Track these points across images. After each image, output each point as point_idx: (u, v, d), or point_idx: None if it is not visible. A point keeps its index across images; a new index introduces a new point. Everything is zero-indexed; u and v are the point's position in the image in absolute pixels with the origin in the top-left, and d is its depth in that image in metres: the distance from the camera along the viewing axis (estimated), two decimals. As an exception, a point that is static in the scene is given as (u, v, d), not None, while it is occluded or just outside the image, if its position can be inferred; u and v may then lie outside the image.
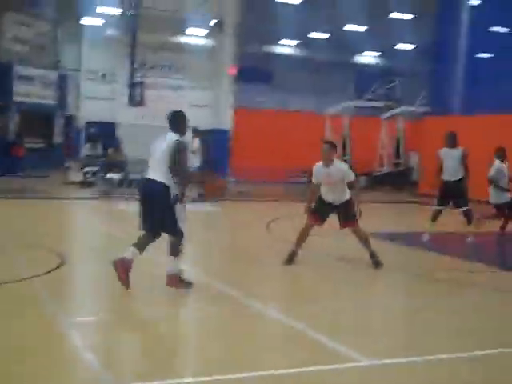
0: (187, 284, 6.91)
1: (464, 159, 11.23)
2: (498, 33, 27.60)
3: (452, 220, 11.73)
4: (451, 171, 11.26)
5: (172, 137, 6.77)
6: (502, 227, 12.06)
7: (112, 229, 11.80)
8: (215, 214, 15.60)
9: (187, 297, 7.03)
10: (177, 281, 6.83)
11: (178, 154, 6.63)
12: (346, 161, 23.95)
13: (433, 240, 11.37)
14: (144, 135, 21.94)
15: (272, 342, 5.53)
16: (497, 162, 11.83)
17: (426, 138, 22.34)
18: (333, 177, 8.40)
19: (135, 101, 22.21)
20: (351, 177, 8.46)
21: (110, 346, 5.22)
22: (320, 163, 8.53)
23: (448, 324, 6.24)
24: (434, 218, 11.52)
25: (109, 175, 18.12)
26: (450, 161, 11.28)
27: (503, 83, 25.30)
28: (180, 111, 7.21)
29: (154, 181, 6.66)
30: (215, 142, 21.25)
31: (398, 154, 24.50)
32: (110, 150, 19.40)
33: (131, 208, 15.00)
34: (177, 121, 6.98)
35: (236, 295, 6.84)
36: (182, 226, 6.83)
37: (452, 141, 11.40)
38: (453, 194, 11.31)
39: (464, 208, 11.37)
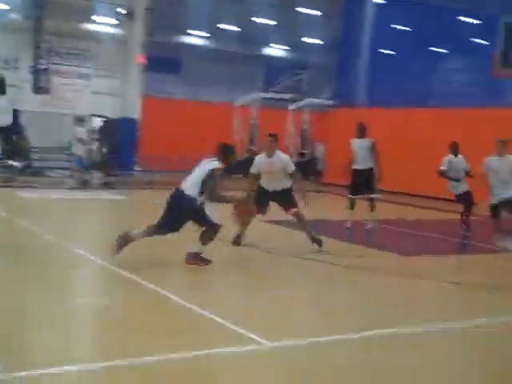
0: (207, 261, 7.80)
1: (373, 149, 11.87)
2: (400, 30, 28.80)
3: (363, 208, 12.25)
4: (361, 160, 11.88)
5: (211, 164, 7.78)
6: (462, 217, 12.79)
7: (11, 216, 11.59)
8: (121, 202, 15.53)
9: (89, 283, 7.12)
10: (198, 258, 7.78)
11: (208, 180, 7.66)
12: (252, 150, 24.40)
13: (342, 228, 11.89)
14: (49, 123, 21.58)
15: (177, 327, 5.57)
16: (449, 156, 12.58)
17: (331, 130, 23.08)
18: (274, 166, 9.13)
19: (39, 88, 21.66)
20: (292, 167, 9.19)
21: (5, 334, 5.10)
22: (263, 154, 9.36)
23: (349, 307, 6.65)
24: (351, 206, 12.10)
25: (11, 162, 17.66)
26: (360, 151, 11.89)
27: (404, 78, 26.47)
28: (228, 145, 8.31)
29: (184, 195, 7.69)
30: (123, 130, 21.09)
31: (304, 145, 25.10)
32: (13, 137, 18.89)
33: (33, 196, 14.76)
34: (222, 153, 8.01)
35: (139, 281, 6.90)
36: (215, 221, 7.74)
37: (361, 132, 12.02)
38: (362, 181, 11.91)
39: (372, 196, 11.99)
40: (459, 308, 6.96)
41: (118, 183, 18.02)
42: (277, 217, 10.17)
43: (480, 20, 27.05)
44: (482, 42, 26.28)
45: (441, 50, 30.20)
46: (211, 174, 7.69)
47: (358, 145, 11.95)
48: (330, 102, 24.70)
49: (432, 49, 29.76)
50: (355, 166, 12.00)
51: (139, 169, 21.66)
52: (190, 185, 7.75)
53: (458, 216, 12.99)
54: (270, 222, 11.12)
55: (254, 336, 5.22)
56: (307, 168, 24.48)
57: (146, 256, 8.10)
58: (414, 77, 26.93)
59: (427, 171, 18.33)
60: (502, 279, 8.50)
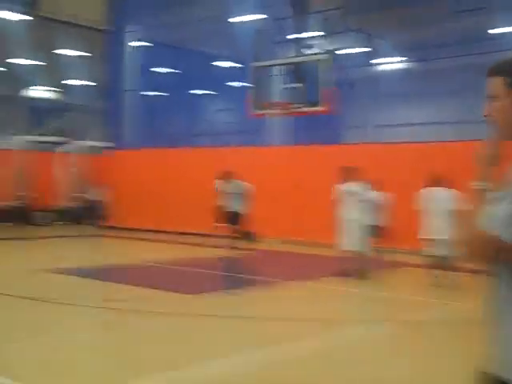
0: None
1: None
2: (163, 73, 29.88)
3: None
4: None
5: None
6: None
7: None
8: None
9: None
10: None
11: None
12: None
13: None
14: None
15: None
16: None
17: (114, 172, 22.92)
18: None
19: None
20: None
21: None
22: None
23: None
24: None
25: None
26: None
27: (170, 119, 27.50)
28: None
29: None
30: None
31: (82, 189, 24.25)
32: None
33: None
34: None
35: None
36: None
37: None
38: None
39: None
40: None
41: None
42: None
43: (234, 64, 29.17)
44: (237, 84, 28.30)
45: (203, 92, 31.90)
46: None
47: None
48: (101, 144, 24.60)
49: (195, 91, 31.32)
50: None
51: None
52: None
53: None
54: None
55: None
56: (85, 213, 23.77)
57: None
58: (180, 118, 28.07)
59: (199, 209, 19.17)
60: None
